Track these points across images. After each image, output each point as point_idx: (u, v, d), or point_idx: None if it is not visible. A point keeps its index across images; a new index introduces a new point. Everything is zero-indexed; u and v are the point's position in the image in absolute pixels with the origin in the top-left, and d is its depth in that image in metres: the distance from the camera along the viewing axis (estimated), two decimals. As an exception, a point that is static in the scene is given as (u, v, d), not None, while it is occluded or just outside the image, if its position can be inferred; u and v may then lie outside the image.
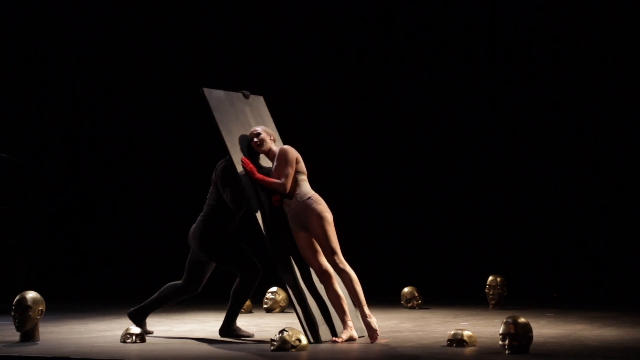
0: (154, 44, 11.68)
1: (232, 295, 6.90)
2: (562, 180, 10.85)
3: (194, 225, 6.94)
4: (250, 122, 7.09)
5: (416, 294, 9.28)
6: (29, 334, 6.72)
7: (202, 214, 6.94)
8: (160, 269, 9.93)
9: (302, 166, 6.81)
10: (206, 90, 6.94)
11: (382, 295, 10.03)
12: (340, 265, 6.63)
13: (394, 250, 11.28)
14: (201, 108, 6.96)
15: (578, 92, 10.75)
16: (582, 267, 10.61)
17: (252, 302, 9.10)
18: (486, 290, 9.19)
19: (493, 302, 9.13)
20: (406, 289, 9.35)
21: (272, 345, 6.21)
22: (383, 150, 11.41)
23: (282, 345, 6.16)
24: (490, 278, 9.19)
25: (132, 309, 7.16)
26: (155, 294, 7.10)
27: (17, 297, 6.71)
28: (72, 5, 11.70)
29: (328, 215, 6.69)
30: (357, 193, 11.44)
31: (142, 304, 7.13)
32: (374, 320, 6.60)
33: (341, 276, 6.66)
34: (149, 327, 7.15)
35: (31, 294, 6.72)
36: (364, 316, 6.59)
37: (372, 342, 6.55)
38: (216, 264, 6.95)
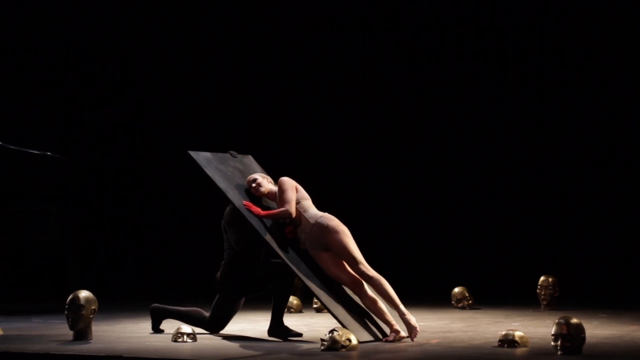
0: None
1: (273, 297, 6.94)
2: (615, 179, 10.75)
3: (218, 273, 7.05)
4: (245, 175, 7.19)
5: (467, 294, 9.23)
6: (82, 333, 6.78)
7: (223, 261, 7.05)
8: (212, 269, 10.00)
9: (303, 193, 6.95)
10: (193, 153, 7.06)
11: (433, 295, 10.01)
12: (368, 273, 6.69)
13: (444, 251, 11.25)
14: (194, 170, 7.04)
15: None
16: (635, 267, 10.49)
17: (302, 302, 9.12)
18: (538, 291, 9.12)
19: (545, 302, 9.05)
20: (457, 289, 9.31)
21: (322, 345, 6.21)
22: (438, 151, 11.42)
23: (332, 345, 6.16)
24: (542, 278, 9.11)
25: (157, 305, 7.29)
26: (184, 308, 7.25)
27: (70, 297, 6.78)
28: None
29: (344, 228, 6.80)
30: (408, 194, 11.44)
31: (167, 307, 7.27)
32: (412, 317, 6.61)
33: (370, 283, 6.71)
34: (161, 327, 7.29)
35: (84, 293, 6.79)
36: (401, 314, 6.62)
37: (412, 340, 6.54)
38: (255, 295, 7.05)
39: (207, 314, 7.16)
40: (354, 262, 6.71)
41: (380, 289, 6.68)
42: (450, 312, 8.87)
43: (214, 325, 7.14)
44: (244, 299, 7.13)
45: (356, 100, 11.65)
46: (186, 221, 11.79)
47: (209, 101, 11.93)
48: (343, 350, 6.13)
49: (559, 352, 5.90)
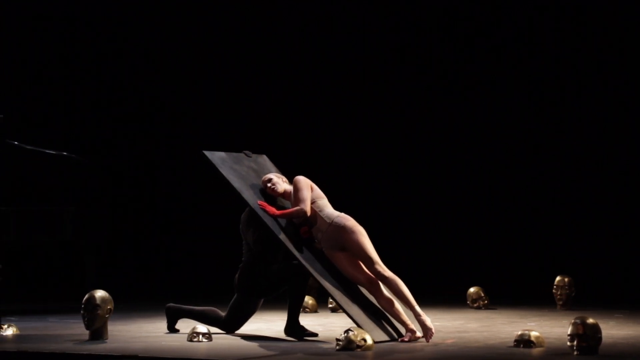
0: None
1: (288, 297, 6.94)
2: (632, 179, 10.71)
3: (237, 274, 7.07)
4: (259, 175, 7.19)
5: (482, 294, 9.21)
6: (98, 333, 6.80)
7: (241, 263, 7.08)
8: (228, 268, 10.02)
9: (319, 192, 6.94)
10: (207, 153, 7.07)
11: (448, 295, 9.99)
12: (384, 273, 6.70)
13: (460, 251, 11.23)
14: (208, 169, 7.05)
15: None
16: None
17: (318, 302, 9.12)
18: (553, 291, 9.09)
19: (561, 302, 9.03)
20: (472, 289, 9.29)
21: (338, 344, 6.21)
22: (454, 150, 11.41)
23: (348, 344, 6.16)
24: (558, 278, 9.09)
25: (172, 304, 7.30)
26: (199, 308, 7.26)
27: (86, 296, 6.80)
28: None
29: (360, 228, 6.80)
30: (424, 194, 11.43)
31: (183, 307, 7.29)
32: (428, 318, 6.60)
33: (386, 283, 6.72)
34: (176, 326, 7.30)
35: (100, 293, 6.80)
36: (417, 315, 6.61)
37: (428, 341, 6.53)
38: (272, 296, 7.07)
39: (222, 314, 7.16)
40: (370, 262, 6.71)
41: (395, 289, 6.68)
42: (466, 312, 8.85)
43: (230, 325, 7.14)
44: (262, 300, 7.13)
45: (374, 100, 11.62)
46: (203, 221, 11.81)
47: (222, 100, 11.94)
48: (358, 350, 6.13)
49: (575, 353, 5.88)
